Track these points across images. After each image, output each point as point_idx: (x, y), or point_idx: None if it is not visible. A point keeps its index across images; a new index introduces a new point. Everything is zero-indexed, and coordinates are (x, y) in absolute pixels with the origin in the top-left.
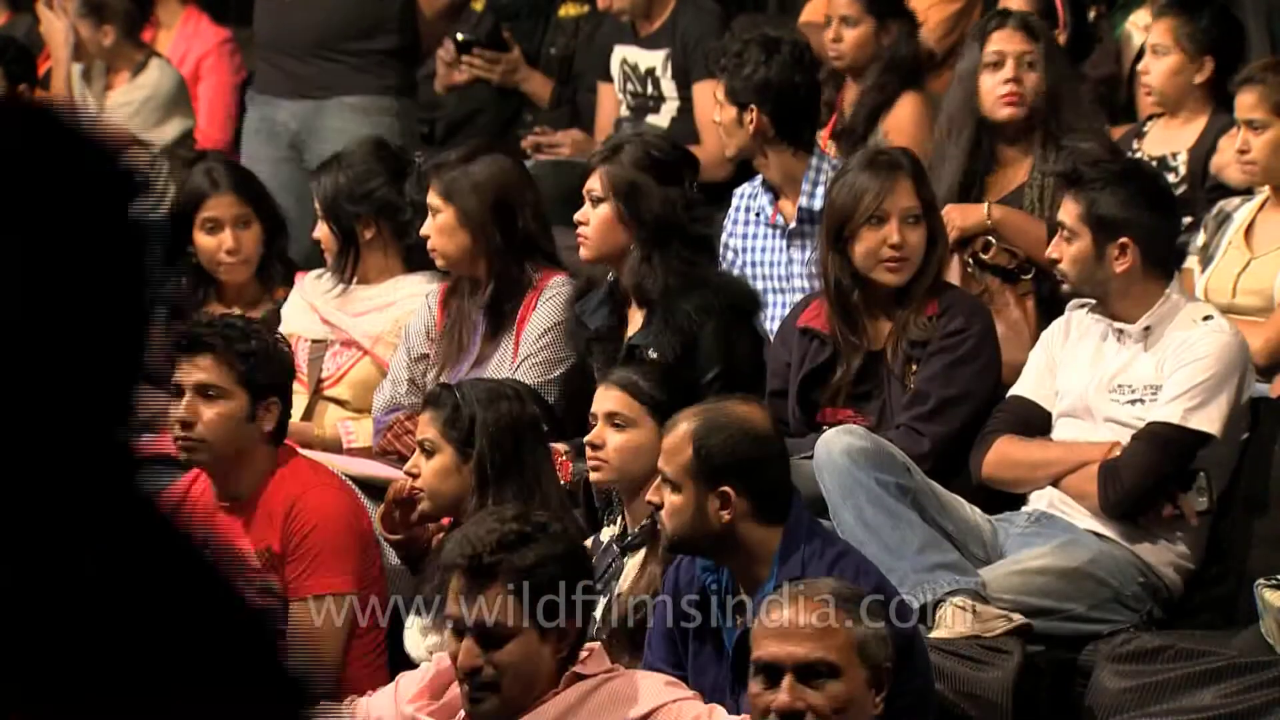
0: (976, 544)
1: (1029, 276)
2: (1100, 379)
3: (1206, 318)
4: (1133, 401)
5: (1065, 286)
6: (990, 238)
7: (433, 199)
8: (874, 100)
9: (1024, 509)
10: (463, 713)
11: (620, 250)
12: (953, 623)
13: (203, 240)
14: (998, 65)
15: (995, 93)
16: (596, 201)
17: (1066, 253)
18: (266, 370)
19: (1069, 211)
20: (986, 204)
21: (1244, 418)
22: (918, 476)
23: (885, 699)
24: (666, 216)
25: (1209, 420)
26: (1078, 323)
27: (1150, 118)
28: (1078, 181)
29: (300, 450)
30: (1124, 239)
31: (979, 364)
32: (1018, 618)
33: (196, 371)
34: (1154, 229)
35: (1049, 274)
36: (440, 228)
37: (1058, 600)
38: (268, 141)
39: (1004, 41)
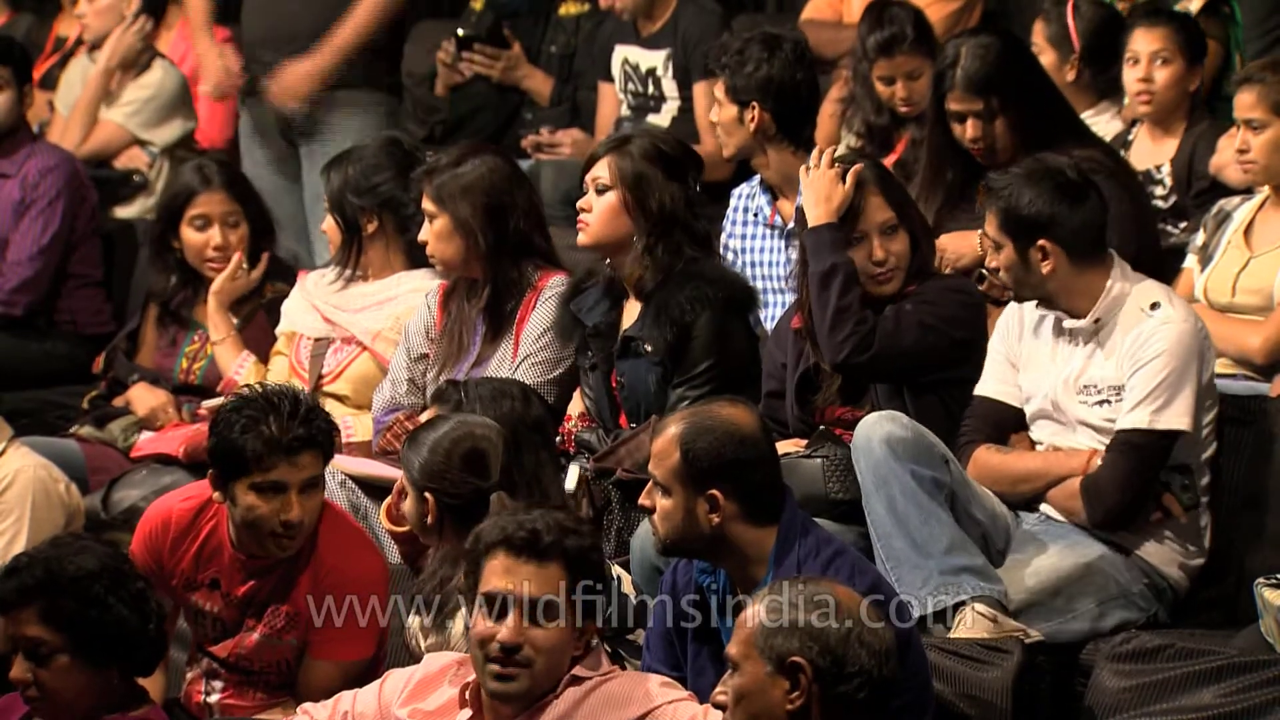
0: (1003, 537)
1: None
2: (1066, 378)
3: (1154, 305)
4: (1100, 403)
5: (1008, 292)
6: (984, 269)
7: (426, 205)
8: None
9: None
10: (465, 713)
11: (621, 239)
12: (973, 625)
13: (191, 236)
14: (959, 122)
15: (966, 143)
16: (603, 190)
17: (1000, 264)
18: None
19: (989, 224)
20: (980, 233)
21: (1209, 397)
22: (954, 470)
23: (830, 699)
24: (672, 210)
25: (1177, 417)
26: (1029, 313)
27: (1134, 123)
28: (990, 193)
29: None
30: (1042, 240)
31: (937, 332)
32: (1035, 634)
33: (305, 470)
34: (1070, 222)
35: None
36: (436, 233)
37: (1063, 600)
38: (265, 144)
39: (956, 103)
